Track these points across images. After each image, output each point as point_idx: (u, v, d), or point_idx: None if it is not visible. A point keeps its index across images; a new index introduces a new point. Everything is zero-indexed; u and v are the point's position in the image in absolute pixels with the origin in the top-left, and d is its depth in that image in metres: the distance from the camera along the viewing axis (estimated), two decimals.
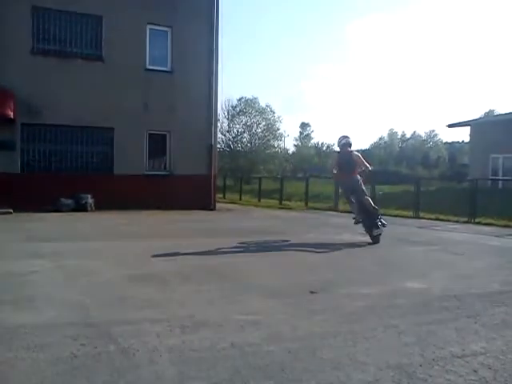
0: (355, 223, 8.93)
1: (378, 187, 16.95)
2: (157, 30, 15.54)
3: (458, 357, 3.13)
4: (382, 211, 14.83)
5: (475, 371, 2.91)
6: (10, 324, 3.59)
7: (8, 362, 2.91)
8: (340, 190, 9.14)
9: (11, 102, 13.13)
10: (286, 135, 49.25)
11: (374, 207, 8.73)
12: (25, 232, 9.03)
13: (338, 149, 9.47)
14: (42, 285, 4.91)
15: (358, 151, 9.33)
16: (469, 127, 27.87)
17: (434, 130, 69.29)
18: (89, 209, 13.34)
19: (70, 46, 14.44)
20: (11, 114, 13.13)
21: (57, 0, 13.98)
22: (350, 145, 9.07)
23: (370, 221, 8.57)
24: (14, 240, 7.97)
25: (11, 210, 11.96)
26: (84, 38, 14.61)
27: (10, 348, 3.10)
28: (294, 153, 54.09)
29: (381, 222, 8.57)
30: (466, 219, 13.03)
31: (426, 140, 68.57)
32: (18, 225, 10.09)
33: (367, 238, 8.71)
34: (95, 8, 14.47)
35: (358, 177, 8.83)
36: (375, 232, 8.46)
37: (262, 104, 41.26)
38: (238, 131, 40.41)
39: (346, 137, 9.03)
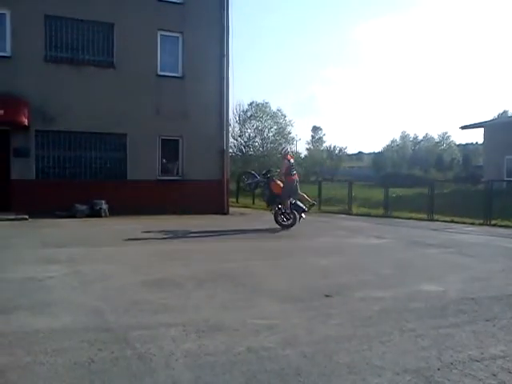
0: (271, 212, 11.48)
1: (391, 190, 16.87)
2: (168, 36, 15.62)
3: (477, 360, 3.10)
4: (395, 214, 14.99)
5: (494, 375, 2.88)
6: (28, 329, 3.63)
7: (27, 366, 2.94)
8: (267, 192, 11.56)
9: (25, 110, 13.32)
10: (297, 139, 48.90)
11: (312, 200, 11.77)
12: (40, 238, 9.12)
13: (285, 157, 11.79)
14: (58, 290, 4.96)
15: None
16: (482, 128, 27.58)
17: (446, 132, 68.36)
18: (103, 214, 13.42)
19: (82, 53, 14.60)
20: (25, 121, 13.31)
21: (69, 8, 14.13)
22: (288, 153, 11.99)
23: (298, 212, 11.03)
24: (30, 246, 8.06)
25: (27, 216, 12.10)
26: (96, 46, 14.75)
27: (29, 352, 3.14)
28: (306, 156, 53.89)
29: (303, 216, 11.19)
30: (481, 221, 12.88)
31: (439, 142, 67.78)
32: (34, 230, 10.19)
33: (380, 241, 8.93)
34: (107, 15, 14.62)
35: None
36: (298, 221, 11.03)
37: (273, 108, 41.20)
38: (249, 135, 40.33)
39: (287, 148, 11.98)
